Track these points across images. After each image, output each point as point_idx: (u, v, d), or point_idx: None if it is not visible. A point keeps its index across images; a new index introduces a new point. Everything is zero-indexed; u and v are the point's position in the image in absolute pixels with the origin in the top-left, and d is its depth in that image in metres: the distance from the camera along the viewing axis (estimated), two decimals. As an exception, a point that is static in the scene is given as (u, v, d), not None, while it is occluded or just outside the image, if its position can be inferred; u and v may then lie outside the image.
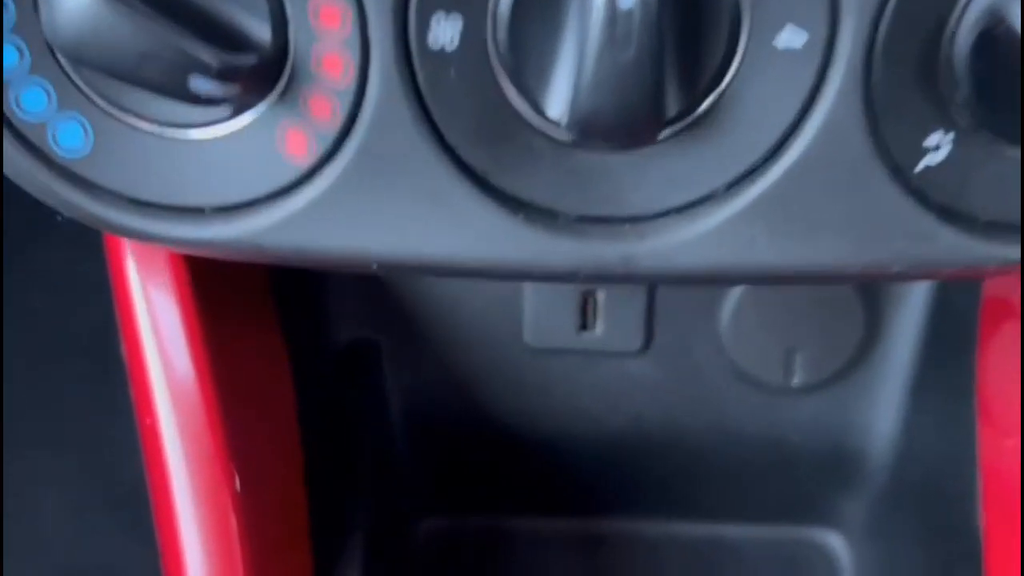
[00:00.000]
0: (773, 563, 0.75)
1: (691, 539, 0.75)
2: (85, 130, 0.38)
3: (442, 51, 0.36)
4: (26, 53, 0.37)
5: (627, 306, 0.64)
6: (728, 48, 0.36)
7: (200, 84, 0.34)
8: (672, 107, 0.36)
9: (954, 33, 0.35)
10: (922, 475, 0.65)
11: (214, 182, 0.38)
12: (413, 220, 0.37)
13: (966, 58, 0.35)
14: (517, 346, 0.66)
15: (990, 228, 0.38)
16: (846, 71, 0.36)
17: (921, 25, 0.35)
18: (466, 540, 0.76)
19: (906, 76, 0.36)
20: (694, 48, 0.35)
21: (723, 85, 0.37)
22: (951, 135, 0.37)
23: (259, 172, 0.37)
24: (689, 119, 0.37)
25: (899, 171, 0.37)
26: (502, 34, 0.35)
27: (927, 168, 0.37)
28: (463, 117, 0.37)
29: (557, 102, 0.35)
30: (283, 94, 0.37)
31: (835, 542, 0.74)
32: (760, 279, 0.39)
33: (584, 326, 0.65)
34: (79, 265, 0.58)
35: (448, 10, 0.35)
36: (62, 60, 0.37)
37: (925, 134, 0.37)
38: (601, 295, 0.64)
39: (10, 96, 0.38)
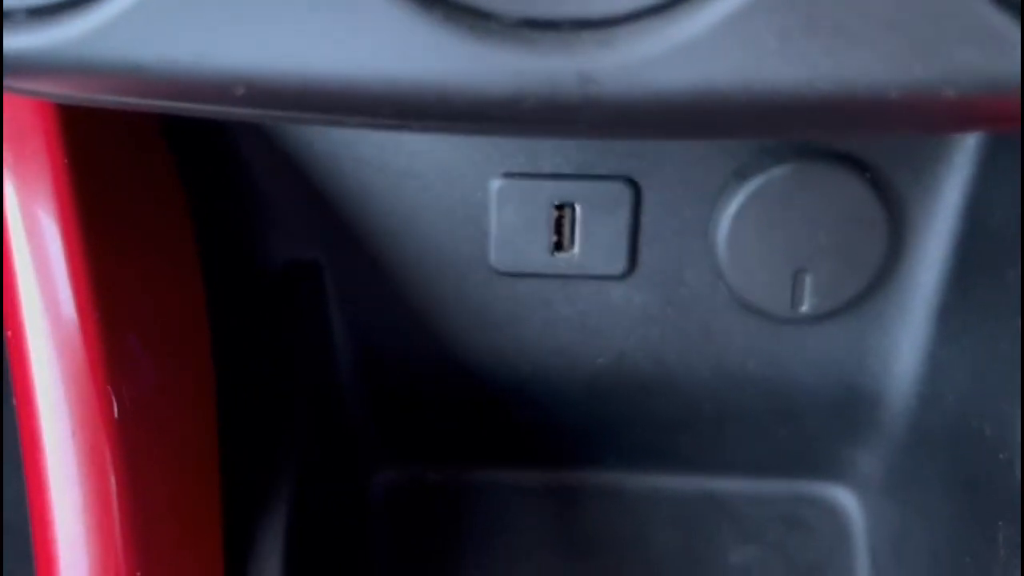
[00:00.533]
0: (773, 523, 0.70)
1: (680, 495, 0.70)
2: None
3: None
4: None
5: (608, 222, 0.58)
6: None
7: None
8: None
9: None
10: (950, 418, 0.58)
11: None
12: (285, 22, 0.28)
13: None
14: (482, 269, 0.60)
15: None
16: None
17: None
18: (424, 495, 0.71)
19: None
20: None
21: None
22: None
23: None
24: None
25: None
26: None
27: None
28: None
29: None
30: None
31: (845, 499, 0.69)
32: (765, 106, 0.30)
33: (559, 246, 0.59)
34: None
35: None
36: None
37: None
38: (579, 209, 0.57)
39: None
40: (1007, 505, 0.51)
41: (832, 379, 0.63)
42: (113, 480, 0.41)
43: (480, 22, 0.28)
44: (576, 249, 0.58)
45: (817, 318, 0.59)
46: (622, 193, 0.57)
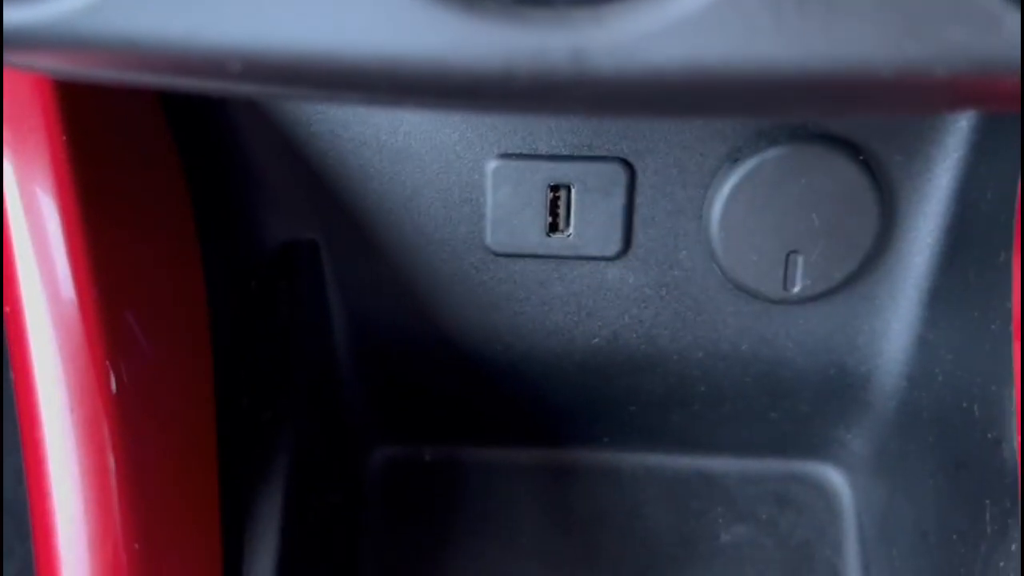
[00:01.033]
0: (764, 501, 0.70)
1: (672, 474, 0.70)
2: None
3: None
4: None
5: (603, 203, 0.58)
6: None
7: None
8: None
9: None
10: (939, 398, 0.58)
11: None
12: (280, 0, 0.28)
13: None
14: (478, 250, 0.60)
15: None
16: None
17: None
18: (420, 473, 0.71)
19: None
20: None
21: None
22: None
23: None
24: None
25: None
26: None
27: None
28: None
29: None
30: None
31: (835, 478, 0.69)
32: (758, 84, 0.30)
33: (554, 227, 0.59)
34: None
35: None
36: None
37: None
38: (574, 191, 0.57)
39: None
40: (995, 484, 0.51)
41: (823, 360, 0.63)
42: (111, 455, 0.41)
43: (472, -3, 0.28)
44: (571, 230, 0.58)
45: (809, 299, 0.59)
46: (617, 175, 0.57)
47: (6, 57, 0.31)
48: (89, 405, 0.40)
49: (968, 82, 0.29)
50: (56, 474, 0.41)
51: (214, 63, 0.29)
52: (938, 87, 0.29)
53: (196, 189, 0.55)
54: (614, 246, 0.59)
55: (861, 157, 0.55)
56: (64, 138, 0.44)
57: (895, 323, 0.61)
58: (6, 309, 0.42)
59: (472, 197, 0.58)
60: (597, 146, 0.56)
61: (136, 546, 0.43)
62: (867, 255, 0.58)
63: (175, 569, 0.46)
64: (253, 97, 0.53)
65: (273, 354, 0.57)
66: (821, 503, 0.69)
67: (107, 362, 0.40)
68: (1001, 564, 0.50)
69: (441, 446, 0.71)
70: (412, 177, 0.58)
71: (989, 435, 0.52)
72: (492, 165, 0.57)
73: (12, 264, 0.42)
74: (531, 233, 0.58)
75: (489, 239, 0.59)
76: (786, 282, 0.58)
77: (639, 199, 0.58)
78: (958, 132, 0.55)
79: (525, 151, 0.57)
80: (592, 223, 0.58)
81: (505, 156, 0.57)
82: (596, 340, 0.64)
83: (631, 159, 0.57)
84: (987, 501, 0.51)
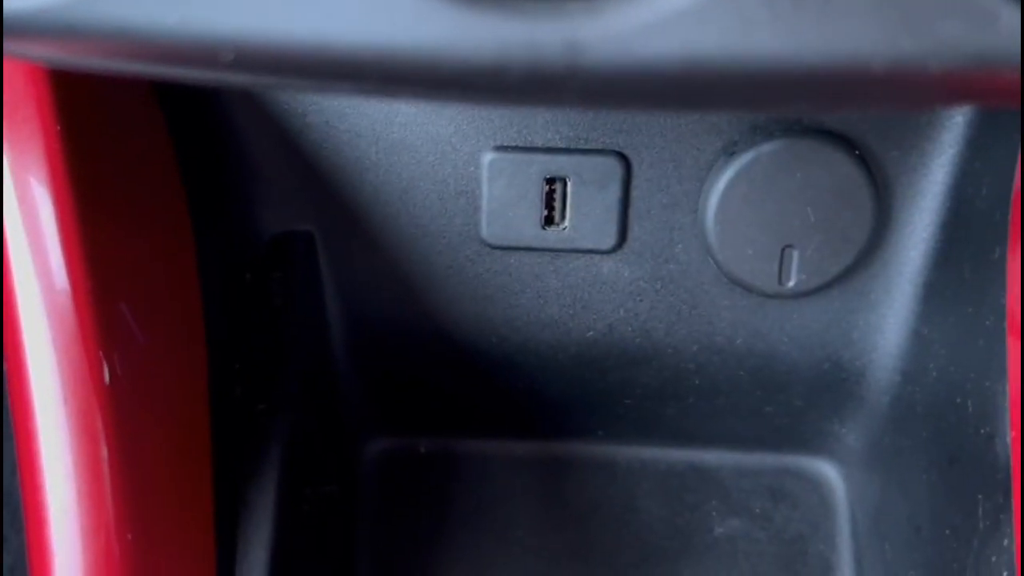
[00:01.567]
0: (758, 494, 0.70)
1: (667, 467, 0.70)
2: None
3: None
4: None
5: (599, 197, 0.58)
6: None
7: None
8: None
9: None
10: (933, 393, 0.58)
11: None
12: None
13: None
14: (473, 243, 0.60)
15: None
16: None
17: None
18: (415, 465, 0.71)
19: None
20: None
21: None
22: None
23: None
24: None
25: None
26: None
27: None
28: None
29: None
30: None
31: (829, 472, 0.70)
32: (752, 78, 0.30)
33: (550, 220, 0.58)
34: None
35: None
36: None
37: None
38: (570, 184, 0.57)
39: None
40: (987, 479, 0.51)
41: (817, 354, 0.63)
42: (104, 446, 0.41)
43: (467, -11, 0.28)
44: (567, 223, 0.58)
45: (804, 293, 0.59)
46: (613, 168, 0.57)
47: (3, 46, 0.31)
48: (82, 396, 0.40)
49: (963, 77, 0.29)
50: (49, 465, 0.41)
51: (207, 52, 0.28)
52: (932, 82, 0.29)
53: (191, 180, 0.55)
54: (610, 239, 0.59)
55: (857, 152, 0.55)
56: (58, 128, 0.44)
57: (890, 318, 0.61)
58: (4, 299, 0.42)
59: (468, 189, 0.58)
60: (593, 139, 0.56)
61: (129, 537, 0.43)
62: (862, 250, 0.57)
63: (168, 560, 0.46)
64: (246, 87, 0.53)
65: (267, 345, 0.57)
66: (815, 497, 0.69)
67: (100, 353, 0.40)
68: (993, 559, 0.51)
69: (436, 438, 0.71)
70: (407, 169, 0.58)
71: (982, 430, 0.52)
72: (488, 157, 0.57)
73: (6, 253, 0.42)
74: (527, 226, 0.58)
75: (484, 232, 0.59)
76: (781, 276, 0.58)
77: (635, 192, 0.58)
78: (954, 128, 0.55)
79: (521, 144, 0.57)
80: (588, 216, 0.58)
81: (501, 148, 0.57)
82: (591, 333, 0.63)
83: (627, 152, 0.56)
84: (980, 496, 0.51)
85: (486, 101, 0.45)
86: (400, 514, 0.70)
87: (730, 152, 0.55)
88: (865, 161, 0.55)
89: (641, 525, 0.69)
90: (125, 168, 0.50)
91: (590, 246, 0.59)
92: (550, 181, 0.57)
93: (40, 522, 0.43)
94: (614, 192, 0.57)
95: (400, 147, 0.57)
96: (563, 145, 0.56)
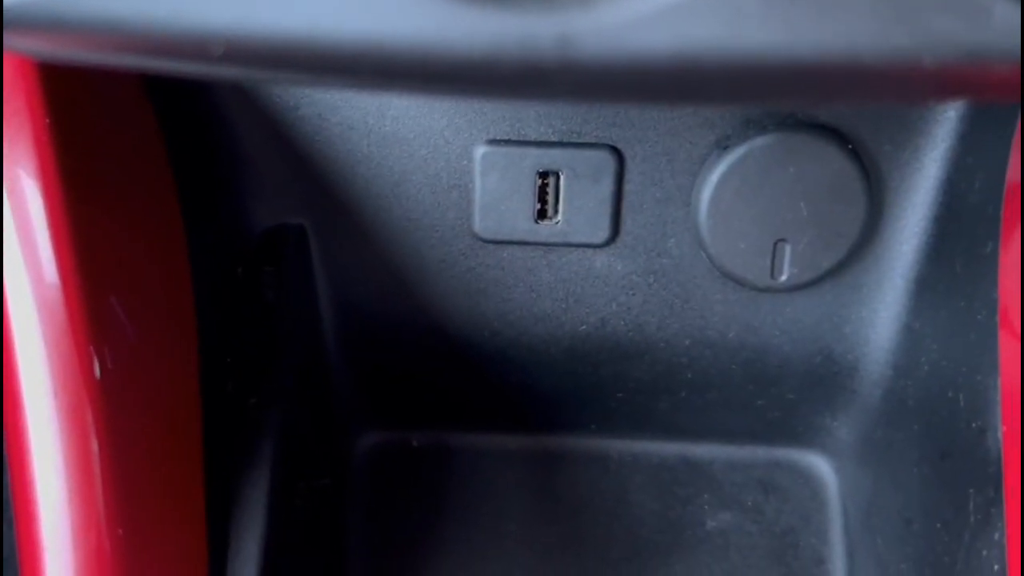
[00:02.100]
0: (750, 488, 0.70)
1: (659, 460, 0.70)
2: None
3: None
4: None
5: (592, 191, 0.58)
6: None
7: None
8: None
9: None
10: (925, 387, 0.58)
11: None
12: None
13: None
14: (466, 236, 0.60)
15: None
16: None
17: None
18: (407, 458, 0.71)
19: None
20: None
21: None
22: None
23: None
24: None
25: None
26: None
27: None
28: None
29: None
30: None
31: (821, 465, 0.70)
32: (745, 71, 0.30)
33: (543, 214, 0.58)
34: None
35: None
36: None
37: None
38: (563, 178, 0.57)
39: None
40: (979, 473, 0.51)
41: (810, 348, 0.63)
42: (95, 441, 0.40)
43: (459, -17, 0.28)
44: (560, 217, 0.58)
45: (796, 288, 0.59)
46: (606, 162, 0.57)
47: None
48: (73, 390, 0.40)
49: (957, 72, 0.29)
50: (39, 459, 0.40)
51: (197, 45, 0.28)
52: (926, 76, 0.28)
53: (181, 173, 0.54)
54: (602, 233, 0.59)
55: (849, 146, 0.55)
56: (48, 122, 0.44)
57: (882, 312, 0.61)
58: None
59: (460, 183, 0.58)
60: (586, 133, 0.56)
61: (120, 531, 0.43)
62: (854, 244, 0.57)
63: (160, 555, 0.46)
64: (237, 80, 0.53)
65: (259, 339, 0.57)
66: (806, 490, 0.69)
67: (91, 347, 0.40)
68: (984, 553, 0.51)
69: (428, 432, 0.71)
70: (400, 162, 0.58)
71: (974, 424, 0.52)
72: (480, 151, 0.57)
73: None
74: (519, 220, 0.58)
75: (477, 225, 0.58)
76: (773, 270, 0.58)
77: (628, 186, 0.58)
78: (947, 122, 0.55)
79: (514, 137, 0.57)
80: (581, 210, 0.58)
81: (494, 142, 0.57)
82: (584, 327, 0.63)
83: (620, 146, 0.56)
84: (971, 490, 0.51)
85: (478, 94, 0.45)
86: (392, 507, 0.70)
87: (723, 146, 0.55)
88: (858, 155, 0.55)
89: (633, 518, 0.69)
90: (115, 161, 0.49)
91: (583, 240, 0.59)
92: (543, 175, 0.57)
93: (30, 517, 0.42)
94: (607, 186, 0.57)
95: (392, 140, 0.57)
96: (556, 139, 0.56)
